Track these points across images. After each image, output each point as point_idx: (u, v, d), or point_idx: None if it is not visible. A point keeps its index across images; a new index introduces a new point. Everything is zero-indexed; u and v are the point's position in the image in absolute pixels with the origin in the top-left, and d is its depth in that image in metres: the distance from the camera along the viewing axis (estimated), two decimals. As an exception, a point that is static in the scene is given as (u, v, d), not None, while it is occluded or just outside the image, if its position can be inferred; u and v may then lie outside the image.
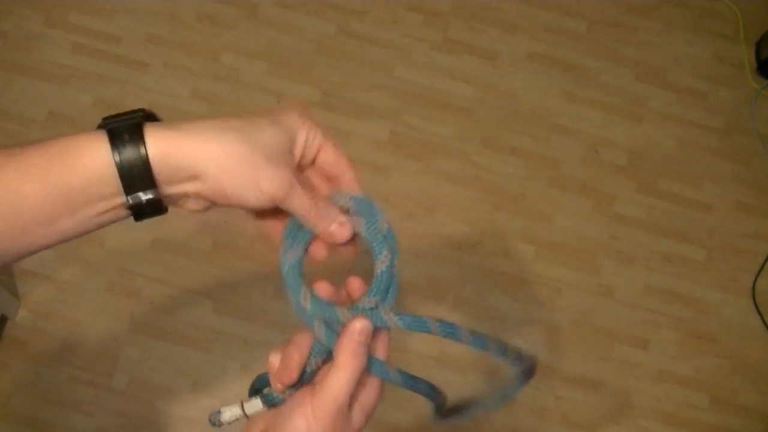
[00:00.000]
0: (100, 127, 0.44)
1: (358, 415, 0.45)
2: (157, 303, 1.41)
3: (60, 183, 0.40)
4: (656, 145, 1.64)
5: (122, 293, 1.40)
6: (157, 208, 0.43)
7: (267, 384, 0.49)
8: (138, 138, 0.41)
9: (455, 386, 1.43)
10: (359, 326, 0.45)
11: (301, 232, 0.47)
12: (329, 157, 0.48)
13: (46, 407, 1.34)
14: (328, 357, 0.47)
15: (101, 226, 0.44)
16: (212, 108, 1.56)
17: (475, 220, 1.54)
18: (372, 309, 0.46)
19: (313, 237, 0.48)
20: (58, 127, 1.51)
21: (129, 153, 0.41)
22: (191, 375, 1.36)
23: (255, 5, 1.64)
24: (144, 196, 0.41)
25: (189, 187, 0.42)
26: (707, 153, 1.64)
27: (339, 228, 0.46)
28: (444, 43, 1.66)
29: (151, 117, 0.45)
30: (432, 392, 0.50)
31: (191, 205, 0.45)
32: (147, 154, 0.40)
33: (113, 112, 0.46)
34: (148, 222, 0.46)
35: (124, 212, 0.43)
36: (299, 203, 0.45)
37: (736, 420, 1.47)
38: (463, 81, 1.64)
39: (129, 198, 0.41)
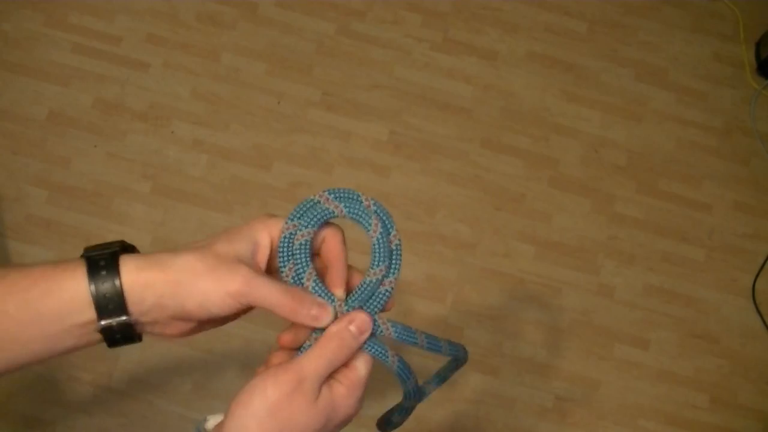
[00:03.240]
0: (81, 256, 0.45)
1: (325, 399, 0.44)
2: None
3: (40, 306, 0.42)
4: (656, 145, 1.64)
5: (122, 293, 1.40)
6: (129, 335, 0.44)
7: None
8: (114, 269, 0.43)
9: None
10: (358, 317, 0.45)
11: (315, 211, 0.47)
12: (331, 249, 0.49)
13: (46, 407, 1.34)
14: None
15: (73, 350, 0.45)
16: (212, 108, 1.56)
17: (475, 220, 1.54)
18: (376, 285, 0.46)
19: (326, 220, 0.47)
20: (58, 127, 1.51)
21: (105, 283, 0.42)
22: (191, 375, 1.36)
23: (255, 5, 1.64)
24: (116, 321, 0.43)
25: (158, 313, 0.44)
26: (707, 153, 1.65)
27: (319, 311, 0.46)
28: (444, 43, 1.66)
29: (128, 249, 0.47)
30: (413, 385, 0.51)
31: (171, 329, 0.46)
32: (121, 285, 0.42)
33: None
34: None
35: (98, 337, 0.44)
36: (266, 295, 0.44)
37: (736, 420, 1.47)
38: (463, 81, 1.64)
39: (102, 323, 0.43)
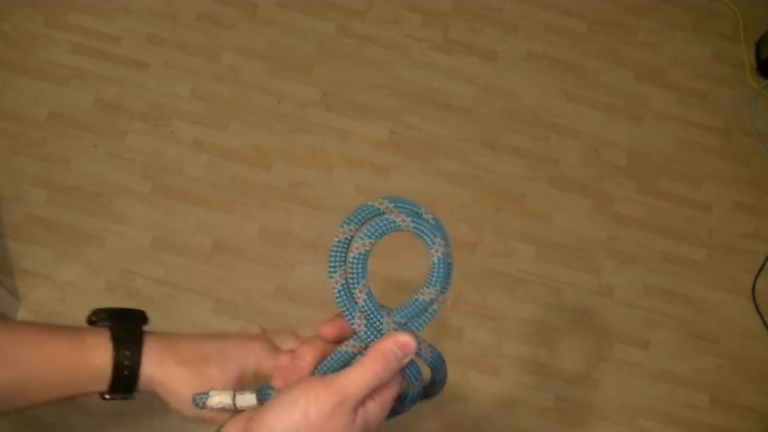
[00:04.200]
0: (98, 320, 0.53)
1: (360, 419, 0.43)
2: (157, 303, 1.41)
3: (68, 374, 0.50)
4: (656, 145, 1.64)
5: (122, 293, 1.40)
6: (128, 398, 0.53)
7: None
8: (137, 354, 0.50)
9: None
10: (404, 339, 0.44)
11: (379, 222, 0.44)
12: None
13: (47, 407, 1.34)
14: (345, 366, 0.45)
15: (70, 399, 0.53)
16: (212, 108, 1.56)
17: (475, 220, 1.54)
18: (427, 305, 0.46)
19: (389, 233, 0.45)
20: (58, 127, 1.51)
21: (126, 367, 0.50)
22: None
23: (255, 5, 1.64)
24: (120, 396, 0.52)
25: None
26: (707, 153, 1.64)
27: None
28: (444, 43, 1.66)
29: (144, 318, 0.55)
30: (443, 374, 0.50)
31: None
32: (139, 374, 0.50)
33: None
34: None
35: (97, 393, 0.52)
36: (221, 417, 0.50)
37: (736, 420, 1.47)
38: (463, 81, 1.64)
39: (107, 397, 0.52)
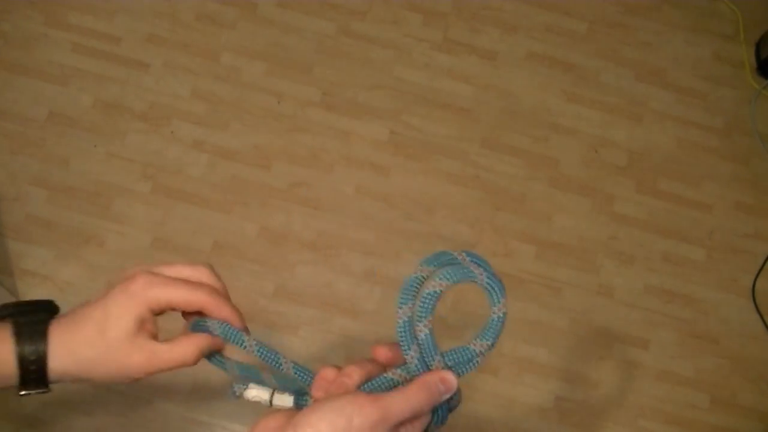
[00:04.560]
0: (6, 314, 0.51)
1: None
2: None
3: None
4: (656, 145, 1.64)
5: (122, 293, 1.40)
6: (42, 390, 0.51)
7: (203, 329, 0.52)
8: (41, 346, 0.48)
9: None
10: (449, 378, 0.47)
11: (458, 270, 0.47)
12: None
13: (46, 407, 1.34)
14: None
15: None
16: (212, 108, 1.56)
17: (475, 220, 1.54)
18: (474, 355, 0.48)
19: (465, 281, 0.48)
20: (58, 127, 1.51)
21: (32, 362, 0.48)
22: (191, 374, 1.36)
23: (255, 5, 1.64)
24: (35, 391, 0.50)
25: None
26: (707, 153, 1.65)
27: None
28: (444, 43, 1.66)
29: (53, 309, 0.53)
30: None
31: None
32: (46, 368, 0.49)
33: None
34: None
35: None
36: (160, 363, 0.51)
37: (736, 420, 1.47)
38: (463, 81, 1.64)
39: (22, 393, 0.50)
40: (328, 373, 0.49)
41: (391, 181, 1.54)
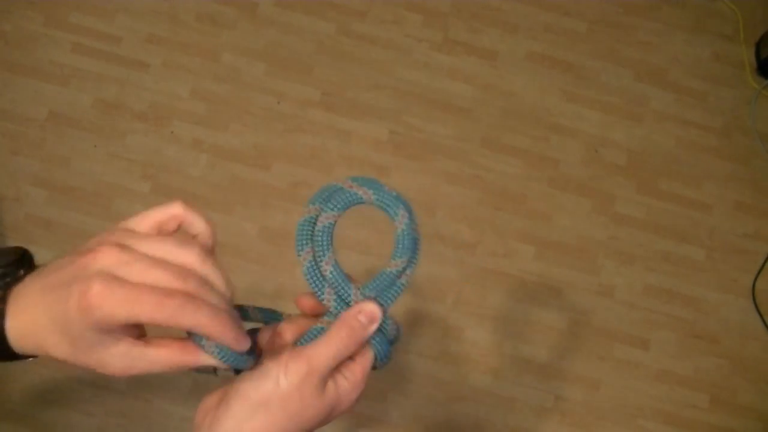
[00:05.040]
0: None
1: (331, 392, 0.44)
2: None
3: None
4: (656, 145, 1.64)
5: (122, 293, 1.40)
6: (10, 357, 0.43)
7: None
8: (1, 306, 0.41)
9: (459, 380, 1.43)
10: (368, 307, 0.45)
11: (341, 195, 0.45)
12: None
13: (46, 407, 1.34)
14: None
15: None
16: (212, 108, 1.56)
17: (475, 220, 1.54)
18: (394, 277, 0.46)
19: (352, 205, 0.46)
20: (58, 127, 1.51)
21: None
22: (191, 374, 1.36)
23: (255, 5, 1.64)
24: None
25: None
26: (707, 153, 1.65)
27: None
28: (444, 43, 1.66)
29: (24, 261, 0.45)
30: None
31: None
32: (6, 332, 0.41)
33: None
34: None
35: None
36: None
37: (736, 420, 1.47)
38: (463, 81, 1.64)
39: None
40: (264, 337, 0.47)
41: (391, 181, 1.54)
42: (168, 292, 0.38)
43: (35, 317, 0.41)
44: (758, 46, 1.73)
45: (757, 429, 1.47)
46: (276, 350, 0.46)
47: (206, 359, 0.43)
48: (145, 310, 0.38)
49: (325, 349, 0.43)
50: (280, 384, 0.42)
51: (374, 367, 0.49)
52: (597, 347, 1.49)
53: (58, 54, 1.56)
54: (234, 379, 0.45)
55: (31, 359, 0.44)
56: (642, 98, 1.67)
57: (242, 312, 0.49)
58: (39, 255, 0.48)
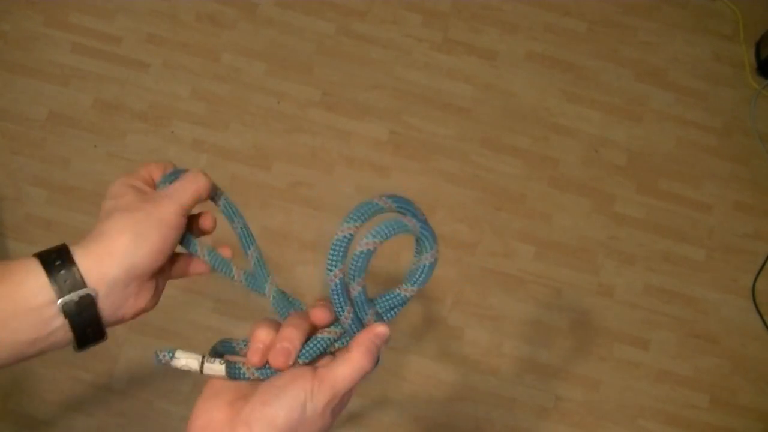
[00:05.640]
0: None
1: (337, 408, 0.45)
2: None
3: (3, 312, 0.42)
4: (656, 145, 1.64)
5: (122, 293, 1.40)
6: (96, 327, 0.45)
7: (230, 351, 0.49)
8: (65, 255, 0.44)
9: (455, 381, 1.43)
10: (382, 331, 0.46)
11: (389, 223, 0.45)
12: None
13: (46, 407, 1.34)
14: (323, 353, 0.46)
15: (37, 346, 0.44)
16: (212, 108, 1.56)
17: (475, 220, 1.54)
18: (404, 300, 0.47)
19: (399, 234, 0.45)
20: (58, 127, 1.51)
21: (59, 266, 0.43)
22: (191, 375, 1.36)
23: (255, 5, 1.64)
24: (77, 296, 0.43)
25: (116, 288, 0.46)
26: (707, 153, 1.65)
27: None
28: (444, 43, 1.66)
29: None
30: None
31: (135, 305, 0.49)
32: (79, 273, 0.44)
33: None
34: None
35: (63, 332, 0.44)
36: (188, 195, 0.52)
37: (736, 420, 1.47)
38: (463, 81, 1.64)
39: (61, 301, 0.43)
40: (263, 335, 0.46)
41: (391, 181, 1.54)
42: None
43: (117, 245, 0.45)
44: (758, 46, 1.73)
45: (757, 429, 1.47)
46: (284, 356, 0.45)
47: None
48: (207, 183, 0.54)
49: (349, 375, 0.44)
50: (307, 411, 0.42)
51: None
52: (597, 347, 1.49)
53: (58, 54, 1.56)
54: (245, 398, 0.44)
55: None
56: (642, 98, 1.67)
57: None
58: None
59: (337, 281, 0.44)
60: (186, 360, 0.47)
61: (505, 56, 1.68)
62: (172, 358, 0.47)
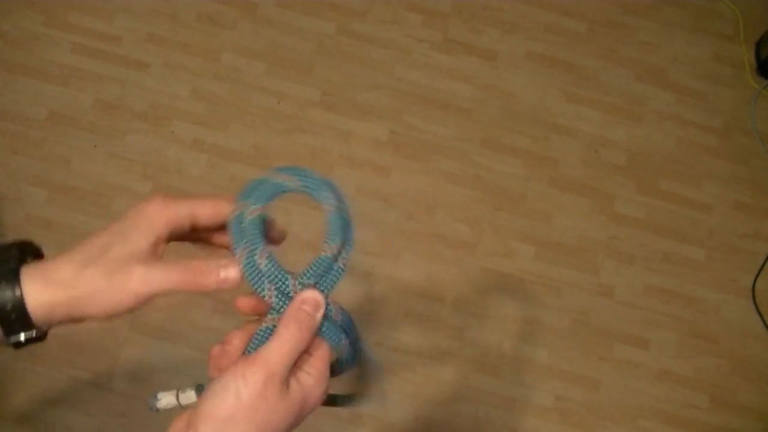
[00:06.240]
0: None
1: (296, 392, 0.43)
2: (157, 303, 1.40)
3: None
4: (656, 145, 1.64)
5: (122, 293, 1.40)
6: (36, 339, 0.45)
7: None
8: (15, 285, 0.43)
9: (446, 377, 1.43)
10: (309, 296, 0.44)
11: (265, 186, 0.45)
12: (207, 210, 0.47)
13: (46, 407, 1.34)
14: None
15: None
16: (212, 108, 1.56)
17: (475, 220, 1.54)
18: (330, 262, 0.44)
19: (278, 195, 0.45)
20: (58, 127, 1.51)
21: (8, 302, 0.42)
22: (191, 375, 1.36)
23: (255, 5, 1.64)
24: (24, 337, 0.44)
25: (63, 321, 0.45)
26: (707, 153, 1.65)
27: (226, 271, 0.45)
28: (444, 43, 1.66)
29: (27, 250, 0.46)
30: (372, 369, 0.49)
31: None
32: (25, 305, 0.42)
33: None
34: None
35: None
36: (163, 282, 0.45)
37: (736, 420, 1.47)
38: (463, 81, 1.64)
39: (11, 339, 0.44)
40: (215, 349, 0.46)
41: (391, 181, 1.54)
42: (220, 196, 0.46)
43: (66, 277, 0.43)
44: (758, 46, 1.73)
45: (757, 429, 1.47)
46: (228, 359, 0.45)
47: (215, 282, 0.45)
48: (206, 205, 0.46)
49: (279, 349, 0.42)
50: (242, 396, 0.41)
51: (344, 367, 0.47)
52: (597, 347, 1.49)
53: (58, 54, 1.56)
54: (197, 402, 0.44)
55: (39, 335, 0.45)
56: (642, 98, 1.67)
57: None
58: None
59: (244, 261, 0.44)
60: (166, 399, 0.48)
61: (505, 56, 1.68)
62: (157, 399, 0.48)
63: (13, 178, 1.47)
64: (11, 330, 0.43)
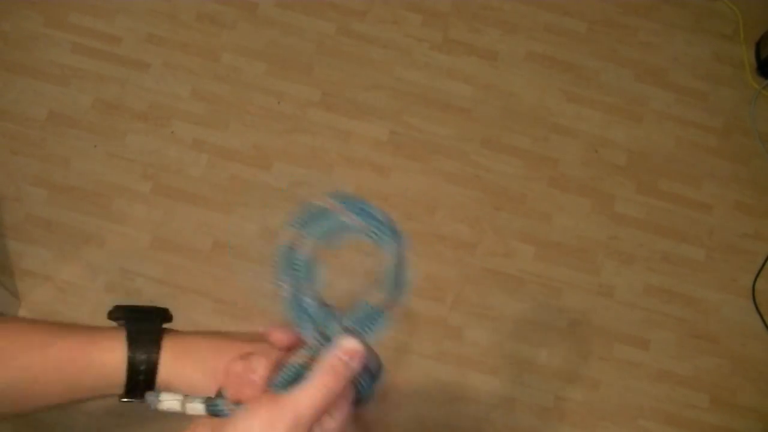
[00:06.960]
0: (118, 318, 0.51)
1: None
2: (157, 303, 1.40)
3: (76, 378, 0.48)
4: (656, 145, 1.64)
5: (122, 293, 1.40)
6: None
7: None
8: (153, 356, 0.48)
9: (456, 384, 1.43)
10: (349, 345, 0.42)
11: (325, 221, 0.42)
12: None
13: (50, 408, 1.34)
14: (297, 379, 0.42)
15: (79, 402, 0.50)
16: (212, 108, 1.56)
17: (475, 220, 1.54)
18: (379, 310, 0.41)
19: (337, 234, 0.42)
20: (58, 127, 1.51)
21: (142, 371, 0.48)
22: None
23: (255, 5, 1.64)
24: (137, 400, 0.49)
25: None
26: (707, 153, 1.64)
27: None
28: (444, 43, 1.66)
29: (165, 315, 0.53)
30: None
31: None
32: (155, 377, 0.48)
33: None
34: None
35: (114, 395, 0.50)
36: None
37: (736, 420, 1.47)
38: (463, 81, 1.64)
39: (124, 401, 0.49)
40: (237, 366, 0.44)
41: (391, 181, 1.54)
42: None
43: (192, 366, 0.48)
44: (758, 46, 1.73)
45: (757, 429, 1.47)
46: (250, 387, 0.43)
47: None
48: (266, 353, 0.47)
49: (311, 399, 0.40)
50: None
51: (359, 404, 0.45)
52: (597, 347, 1.49)
53: (58, 54, 1.56)
54: (218, 423, 0.42)
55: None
56: (642, 98, 1.67)
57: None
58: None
59: (289, 294, 0.41)
60: (169, 402, 0.47)
61: (505, 56, 1.68)
62: (158, 400, 0.46)
63: (13, 178, 1.47)
64: (133, 392, 0.48)
